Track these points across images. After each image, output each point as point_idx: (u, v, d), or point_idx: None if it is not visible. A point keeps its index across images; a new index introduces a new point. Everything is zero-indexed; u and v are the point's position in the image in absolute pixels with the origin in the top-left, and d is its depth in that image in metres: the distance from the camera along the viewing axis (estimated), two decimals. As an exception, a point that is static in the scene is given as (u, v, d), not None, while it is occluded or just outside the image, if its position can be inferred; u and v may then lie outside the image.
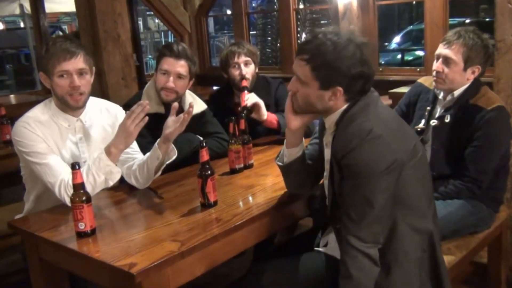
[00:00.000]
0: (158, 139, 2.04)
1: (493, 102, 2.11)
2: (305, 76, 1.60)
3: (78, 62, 1.97)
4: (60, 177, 1.93)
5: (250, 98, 2.58)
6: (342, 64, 1.54)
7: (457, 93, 2.18)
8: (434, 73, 2.20)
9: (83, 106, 2.07)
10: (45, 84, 2.03)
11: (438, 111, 2.27)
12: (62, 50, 1.95)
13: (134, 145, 2.24)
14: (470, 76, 2.15)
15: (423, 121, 2.29)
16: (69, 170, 1.86)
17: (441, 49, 2.17)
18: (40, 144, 1.97)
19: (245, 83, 2.70)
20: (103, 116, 2.20)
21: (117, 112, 2.25)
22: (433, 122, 2.23)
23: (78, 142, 2.09)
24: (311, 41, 1.59)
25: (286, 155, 1.82)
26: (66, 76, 1.96)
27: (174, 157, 2.08)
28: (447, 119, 2.19)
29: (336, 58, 1.54)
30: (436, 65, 2.18)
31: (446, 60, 2.14)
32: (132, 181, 2.11)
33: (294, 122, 1.73)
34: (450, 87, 2.19)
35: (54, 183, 1.93)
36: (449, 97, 2.21)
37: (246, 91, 2.66)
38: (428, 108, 2.28)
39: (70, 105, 2.03)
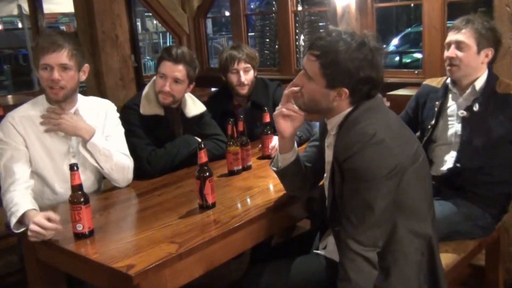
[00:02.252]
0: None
1: None
2: (313, 72, 1.58)
3: (61, 56, 1.96)
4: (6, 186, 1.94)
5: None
6: (351, 65, 1.52)
7: (478, 84, 2.16)
8: (447, 61, 2.17)
9: (63, 100, 2.05)
10: (37, 75, 2.05)
11: (456, 106, 2.23)
12: (48, 43, 1.96)
13: (121, 145, 2.23)
14: (484, 59, 2.14)
15: (434, 119, 2.26)
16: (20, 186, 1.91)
17: (452, 36, 2.16)
18: (14, 145, 1.98)
19: (267, 118, 2.44)
20: (94, 114, 2.19)
21: (107, 108, 2.25)
22: (462, 114, 2.20)
23: (66, 135, 2.10)
24: (325, 37, 1.57)
25: (280, 160, 1.82)
26: (48, 69, 1.97)
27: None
28: (475, 108, 2.16)
29: (347, 59, 1.52)
30: (449, 51, 2.16)
31: (459, 45, 2.13)
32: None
33: (288, 130, 1.73)
34: (465, 73, 2.16)
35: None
36: (469, 89, 2.18)
37: (270, 133, 2.44)
38: (437, 103, 2.26)
39: (51, 98, 2.04)
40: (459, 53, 2.13)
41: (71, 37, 2.09)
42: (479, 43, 2.11)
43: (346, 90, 1.56)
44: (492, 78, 2.17)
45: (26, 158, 2.01)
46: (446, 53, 2.18)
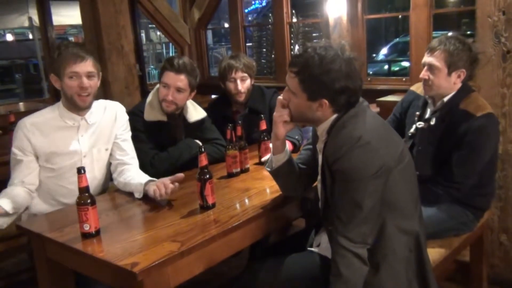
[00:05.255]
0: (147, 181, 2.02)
1: (482, 109, 2.06)
2: (294, 87, 1.61)
3: (87, 65, 2.03)
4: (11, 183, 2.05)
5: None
6: (327, 78, 1.54)
7: (446, 98, 2.15)
8: (422, 80, 2.18)
9: (89, 106, 2.12)
10: (55, 85, 2.08)
11: (427, 116, 2.23)
12: (74, 54, 2.01)
13: (130, 151, 2.26)
14: (456, 80, 2.11)
15: (414, 126, 2.26)
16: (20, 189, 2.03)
17: (425, 58, 2.15)
18: (20, 154, 2.05)
19: (263, 126, 2.38)
20: (105, 114, 2.23)
21: (117, 110, 2.28)
22: (420, 124, 2.22)
23: (79, 139, 2.14)
24: (301, 54, 1.60)
25: (274, 161, 1.83)
26: (76, 78, 2.02)
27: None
28: (432, 121, 2.16)
29: (321, 72, 1.54)
30: (422, 72, 2.16)
31: (431, 67, 2.12)
32: (119, 186, 2.20)
33: (284, 133, 1.75)
34: (438, 93, 2.15)
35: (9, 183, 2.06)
36: (439, 103, 2.17)
37: (267, 139, 2.36)
38: (417, 113, 2.26)
39: (77, 105, 2.07)
40: (431, 76, 2.12)
41: (88, 48, 2.16)
42: (450, 65, 2.08)
43: (326, 101, 1.58)
44: (461, 94, 2.12)
45: (29, 165, 2.07)
46: (421, 74, 2.17)
